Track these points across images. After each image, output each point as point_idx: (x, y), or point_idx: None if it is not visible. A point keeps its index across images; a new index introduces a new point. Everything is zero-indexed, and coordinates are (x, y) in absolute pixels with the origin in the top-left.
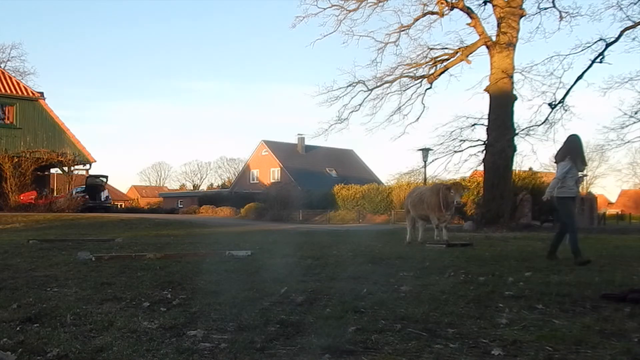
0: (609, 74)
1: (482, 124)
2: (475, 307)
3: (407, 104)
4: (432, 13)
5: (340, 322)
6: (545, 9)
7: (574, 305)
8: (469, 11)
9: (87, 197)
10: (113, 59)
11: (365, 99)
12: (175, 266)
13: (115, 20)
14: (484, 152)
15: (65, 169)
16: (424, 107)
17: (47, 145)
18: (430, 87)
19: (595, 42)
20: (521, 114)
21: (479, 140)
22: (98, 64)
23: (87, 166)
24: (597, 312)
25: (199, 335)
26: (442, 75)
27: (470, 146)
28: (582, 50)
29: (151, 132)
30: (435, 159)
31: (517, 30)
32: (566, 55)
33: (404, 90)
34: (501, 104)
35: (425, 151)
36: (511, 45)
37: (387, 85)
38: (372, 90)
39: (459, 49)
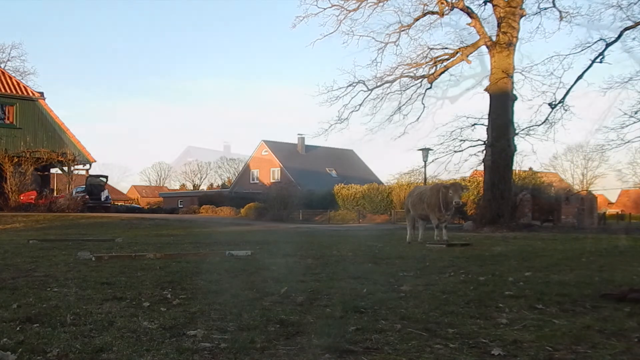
0: (609, 74)
1: (482, 124)
2: (475, 307)
3: (407, 104)
4: (432, 13)
5: (341, 321)
6: (545, 9)
7: (573, 305)
8: (469, 11)
9: (87, 197)
10: (113, 59)
11: (365, 98)
12: (175, 266)
13: (116, 19)
14: (484, 152)
15: (66, 168)
16: (424, 107)
17: (47, 145)
18: (431, 87)
19: (595, 42)
20: (521, 114)
21: (479, 140)
22: (98, 64)
23: (87, 166)
24: (597, 311)
25: (199, 335)
26: (442, 75)
27: (471, 146)
28: (582, 50)
29: (151, 132)
30: (436, 159)
31: (517, 30)
32: (566, 55)
33: (404, 90)
34: (501, 104)
35: (425, 151)
36: (511, 45)
37: (387, 85)
38: (372, 90)
39: (459, 49)
